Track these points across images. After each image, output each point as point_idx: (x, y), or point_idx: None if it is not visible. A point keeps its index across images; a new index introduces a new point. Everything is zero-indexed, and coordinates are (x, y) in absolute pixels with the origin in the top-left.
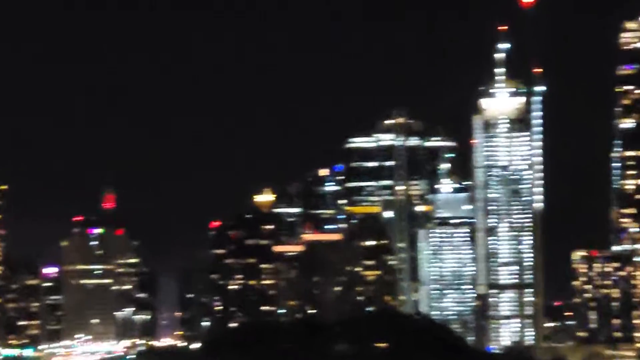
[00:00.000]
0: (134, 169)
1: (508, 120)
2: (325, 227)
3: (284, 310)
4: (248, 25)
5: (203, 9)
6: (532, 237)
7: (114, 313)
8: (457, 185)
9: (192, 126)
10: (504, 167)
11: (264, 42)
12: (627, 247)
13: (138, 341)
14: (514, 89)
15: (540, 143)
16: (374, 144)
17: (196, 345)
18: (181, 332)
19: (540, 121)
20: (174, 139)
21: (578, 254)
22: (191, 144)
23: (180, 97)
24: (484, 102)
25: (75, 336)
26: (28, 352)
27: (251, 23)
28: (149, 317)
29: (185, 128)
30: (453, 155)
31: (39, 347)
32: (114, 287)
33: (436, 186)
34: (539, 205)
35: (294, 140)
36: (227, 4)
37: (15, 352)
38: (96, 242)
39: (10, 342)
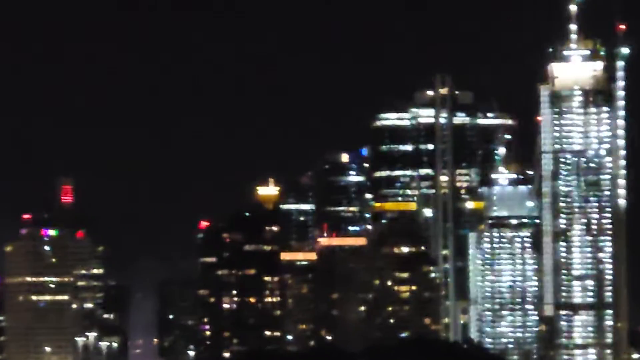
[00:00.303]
0: (97, 156)
1: (583, 92)
2: (347, 228)
3: (293, 336)
4: None
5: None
6: (613, 244)
7: (73, 339)
8: (517, 176)
9: (177, 104)
10: (578, 153)
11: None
12: None
13: None
14: (591, 51)
15: (624, 122)
16: (409, 122)
17: None
18: None
19: (624, 93)
20: (151, 120)
21: None
22: (174, 125)
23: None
24: (552, 68)
25: None
26: None
27: None
28: (117, 344)
29: (168, 106)
30: (512, 136)
31: None
32: (72, 306)
33: (490, 177)
34: (622, 202)
35: (306, 118)
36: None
37: None
38: (49, 248)
39: None
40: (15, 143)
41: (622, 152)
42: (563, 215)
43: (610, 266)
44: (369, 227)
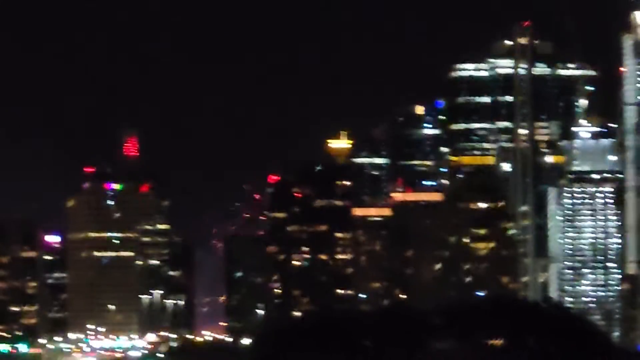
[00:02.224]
0: (163, 108)
1: None
2: (422, 183)
3: (365, 295)
4: None
5: None
6: None
7: (138, 297)
8: (600, 129)
9: (250, 55)
10: None
11: None
12: None
13: (169, 334)
14: None
15: None
16: (487, 73)
17: (246, 341)
18: (226, 323)
19: None
20: (221, 70)
21: None
22: (243, 77)
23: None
24: (637, 17)
25: (85, 327)
26: (22, 347)
27: None
28: (183, 302)
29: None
30: (594, 88)
31: (37, 341)
32: (137, 262)
33: (571, 130)
34: None
35: (379, 69)
36: None
37: (5, 347)
38: (113, 202)
39: None
40: (78, 91)
41: None
42: None
43: None
44: (445, 181)
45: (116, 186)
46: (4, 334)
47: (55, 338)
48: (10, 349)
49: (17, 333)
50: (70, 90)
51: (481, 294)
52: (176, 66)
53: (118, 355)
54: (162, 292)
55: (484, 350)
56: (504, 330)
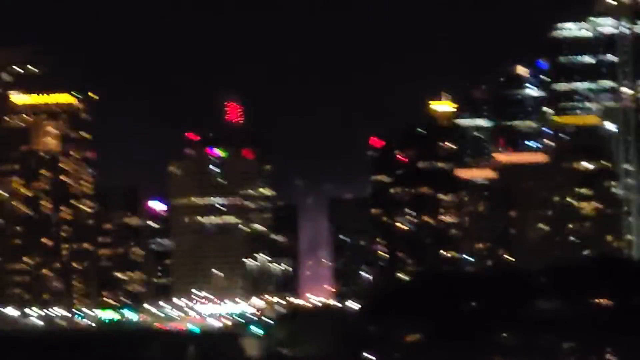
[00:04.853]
0: (265, 73)
1: None
2: (525, 144)
3: (471, 256)
4: None
5: None
6: None
7: (242, 262)
8: None
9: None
10: None
11: None
12: None
13: (275, 299)
14: None
15: None
16: (589, 33)
17: (354, 305)
18: (331, 287)
19: None
20: (320, 39)
21: None
22: (343, 44)
23: None
24: None
25: (191, 293)
26: (129, 313)
27: None
28: (289, 266)
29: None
30: None
31: (143, 307)
32: (241, 227)
33: None
34: None
35: (481, 28)
36: None
37: (113, 314)
38: (217, 168)
39: (104, 300)
40: (178, 57)
41: None
42: None
43: None
44: (548, 142)
45: (219, 152)
46: (110, 301)
47: (161, 304)
48: (117, 317)
49: (123, 299)
50: (173, 55)
51: (586, 253)
52: (276, 30)
53: (225, 321)
54: (266, 256)
55: (590, 309)
56: (609, 290)
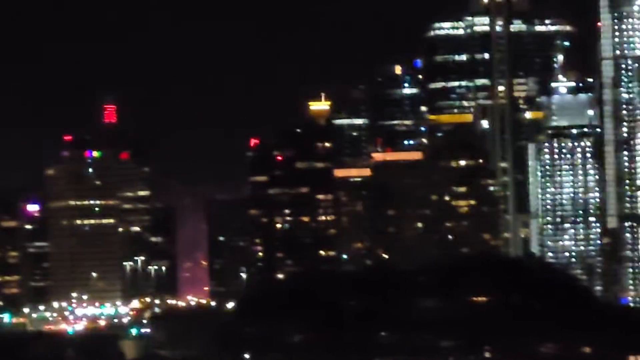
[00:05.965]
0: (141, 75)
1: None
2: (402, 142)
3: (348, 255)
4: None
5: None
6: None
7: (120, 264)
8: (577, 84)
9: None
10: None
11: None
12: None
13: (155, 301)
14: None
15: None
16: (464, 31)
17: (230, 305)
18: (209, 288)
19: None
20: (197, 36)
21: None
22: (220, 40)
23: None
24: None
25: (70, 295)
26: (5, 316)
27: None
28: (166, 267)
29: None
30: (571, 43)
31: (21, 310)
32: (118, 229)
33: (549, 85)
34: None
35: (357, 29)
36: None
37: None
38: (93, 170)
39: None
40: (54, 61)
41: None
42: (625, 124)
43: None
44: (425, 140)
45: (96, 154)
46: None
47: (38, 306)
48: None
49: (0, 303)
50: (53, 55)
51: (464, 251)
52: (154, 30)
53: (102, 322)
54: (144, 258)
55: (467, 307)
56: (488, 287)
